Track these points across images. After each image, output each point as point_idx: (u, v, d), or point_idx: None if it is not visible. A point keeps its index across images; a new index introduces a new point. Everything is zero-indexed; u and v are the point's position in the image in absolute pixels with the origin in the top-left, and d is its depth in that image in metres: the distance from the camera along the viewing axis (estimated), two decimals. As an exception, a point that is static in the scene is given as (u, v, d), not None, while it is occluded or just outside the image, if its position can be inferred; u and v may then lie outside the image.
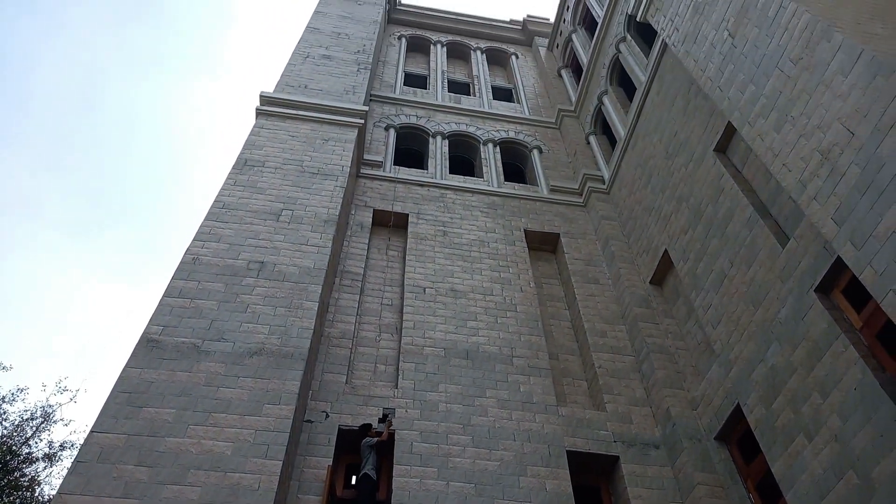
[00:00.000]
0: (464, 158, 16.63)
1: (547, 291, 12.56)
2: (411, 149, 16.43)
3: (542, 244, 13.56)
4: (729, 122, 9.79)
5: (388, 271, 12.03)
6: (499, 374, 9.98)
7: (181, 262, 9.40)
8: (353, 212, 12.77)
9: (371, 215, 12.82)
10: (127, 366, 7.83)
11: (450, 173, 15.16)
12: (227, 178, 11.30)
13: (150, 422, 7.31)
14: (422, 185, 13.94)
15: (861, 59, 6.82)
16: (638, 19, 13.11)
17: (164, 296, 8.83)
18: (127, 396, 7.51)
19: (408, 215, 12.99)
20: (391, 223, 12.98)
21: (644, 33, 14.90)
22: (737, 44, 9.23)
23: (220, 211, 10.54)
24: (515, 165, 16.89)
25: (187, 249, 9.66)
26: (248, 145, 12.33)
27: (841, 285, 7.43)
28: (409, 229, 12.67)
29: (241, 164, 11.75)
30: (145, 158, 54.87)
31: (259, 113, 13.39)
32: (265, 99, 13.68)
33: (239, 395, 7.83)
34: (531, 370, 10.17)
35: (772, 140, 8.07)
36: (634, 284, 11.80)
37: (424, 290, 11.28)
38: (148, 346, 8.12)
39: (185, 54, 58.37)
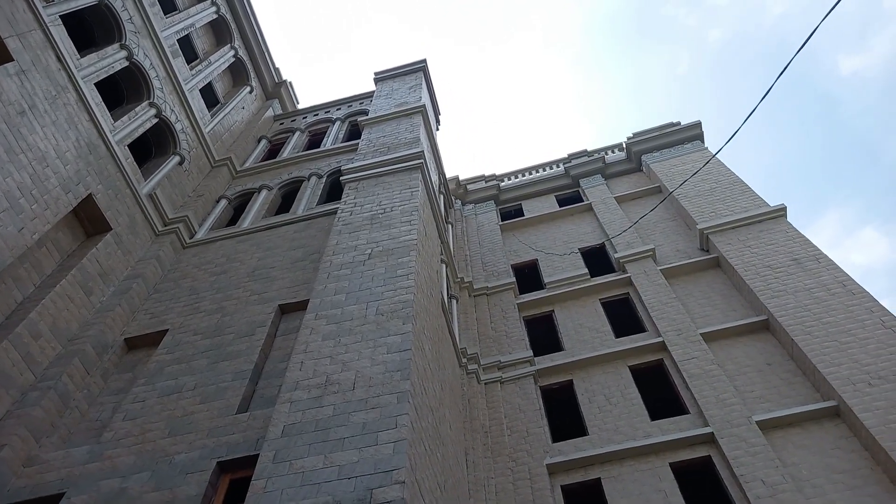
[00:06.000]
0: (117, 91, 14.59)
1: (39, 257, 10.68)
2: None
3: (89, 219, 11.92)
4: (281, 304, 10.60)
5: None
6: None
7: None
8: None
9: None
10: None
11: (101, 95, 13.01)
12: None
13: None
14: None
15: None
16: (341, 178, 14.15)
17: None
18: None
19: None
20: None
21: (335, 187, 15.91)
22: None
23: None
24: (150, 147, 15.34)
25: None
26: None
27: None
28: None
29: None
30: None
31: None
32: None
33: None
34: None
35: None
36: (112, 328, 10.78)
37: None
38: None
39: None
